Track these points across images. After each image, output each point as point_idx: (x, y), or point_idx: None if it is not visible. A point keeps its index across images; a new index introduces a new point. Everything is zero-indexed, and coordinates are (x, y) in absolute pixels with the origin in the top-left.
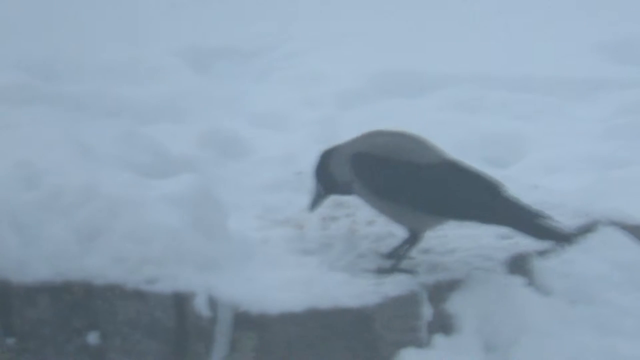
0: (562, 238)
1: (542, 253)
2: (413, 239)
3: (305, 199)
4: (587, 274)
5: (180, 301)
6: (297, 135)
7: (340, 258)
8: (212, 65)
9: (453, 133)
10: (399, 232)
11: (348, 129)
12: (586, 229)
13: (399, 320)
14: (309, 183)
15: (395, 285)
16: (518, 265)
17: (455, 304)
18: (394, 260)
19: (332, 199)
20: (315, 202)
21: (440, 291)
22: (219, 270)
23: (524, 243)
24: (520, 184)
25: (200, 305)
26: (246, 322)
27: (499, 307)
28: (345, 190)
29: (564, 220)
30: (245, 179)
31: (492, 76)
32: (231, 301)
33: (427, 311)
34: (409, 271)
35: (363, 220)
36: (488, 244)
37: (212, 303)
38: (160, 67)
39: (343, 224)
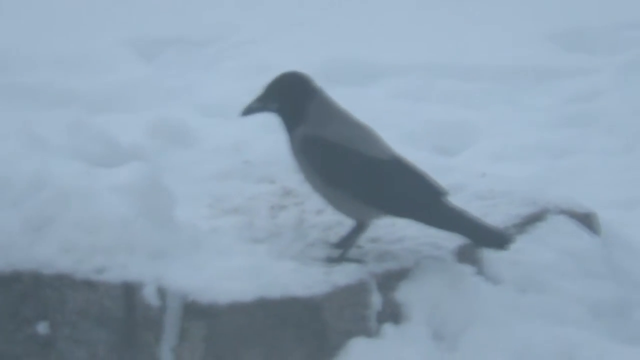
0: (501, 241)
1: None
2: (359, 227)
3: (253, 188)
4: (536, 262)
5: (129, 291)
6: (245, 124)
7: (289, 247)
8: (161, 55)
9: (402, 122)
10: (348, 222)
11: None
12: (535, 218)
13: (349, 310)
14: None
15: (344, 275)
16: (467, 254)
17: (405, 293)
18: (343, 249)
19: (281, 187)
20: (253, 110)
21: (389, 280)
22: (168, 259)
23: None
24: (468, 172)
25: (149, 295)
26: (195, 312)
27: (448, 296)
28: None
29: (512, 208)
30: (194, 168)
31: (441, 65)
32: (180, 291)
33: (376, 300)
34: (358, 260)
35: (312, 209)
36: (437, 233)
37: (161, 292)
38: (110, 57)
39: (292, 213)
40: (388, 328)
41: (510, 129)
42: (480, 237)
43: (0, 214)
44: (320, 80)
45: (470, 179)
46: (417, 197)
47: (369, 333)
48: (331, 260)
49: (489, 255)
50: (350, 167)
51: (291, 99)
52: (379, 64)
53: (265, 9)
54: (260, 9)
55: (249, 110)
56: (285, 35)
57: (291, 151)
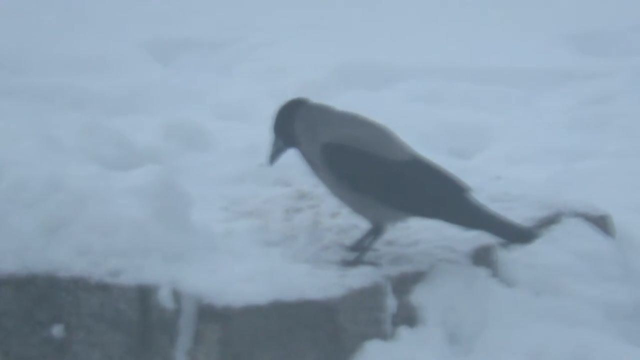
0: (527, 237)
1: (506, 244)
2: (376, 231)
3: (268, 191)
4: (551, 265)
5: (144, 294)
6: (260, 127)
7: (304, 250)
8: (177, 58)
9: (417, 124)
10: (363, 224)
11: None
12: (550, 221)
13: (363, 313)
14: (268, 136)
15: (359, 277)
16: (482, 256)
17: (420, 296)
18: (358, 252)
19: (296, 190)
20: (275, 155)
21: (404, 283)
22: (183, 262)
23: (488, 235)
24: (483, 175)
25: (164, 298)
26: (210, 315)
27: (464, 299)
28: (305, 151)
29: (528, 211)
30: (210, 170)
31: (456, 68)
32: (195, 293)
33: (391, 303)
34: (373, 263)
35: (327, 212)
36: (452, 236)
37: (176, 295)
38: (125, 60)
39: (307, 215)
40: (403, 331)
41: (526, 132)
42: (507, 233)
43: (16, 216)
44: (335, 83)
45: (485, 181)
46: (441, 196)
47: (383, 336)
48: (346, 264)
49: (504, 258)
50: (374, 173)
51: (284, 130)
52: (395, 67)
53: (282, 11)
54: (277, 11)
55: (273, 158)
56: (301, 38)
57: (306, 162)
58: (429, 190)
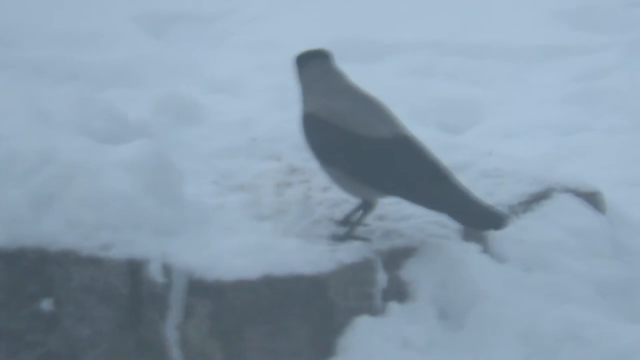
0: (497, 222)
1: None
2: (366, 205)
3: (259, 165)
4: (542, 240)
5: (134, 267)
6: (253, 101)
7: (295, 224)
8: (169, 31)
9: (408, 99)
10: (354, 199)
11: None
12: (541, 196)
13: (354, 287)
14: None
15: (350, 252)
16: (473, 232)
17: (410, 271)
18: (348, 227)
19: (288, 165)
20: None
21: (395, 258)
22: (174, 236)
23: None
24: (474, 150)
25: (155, 272)
26: (201, 289)
27: (454, 275)
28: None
29: (519, 187)
30: (201, 144)
31: (448, 42)
32: (186, 268)
33: (381, 278)
34: (363, 238)
35: (318, 186)
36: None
37: (167, 269)
38: (118, 33)
39: (298, 190)
40: (393, 306)
41: (517, 107)
42: (471, 221)
43: (6, 189)
44: None
45: (476, 157)
46: (411, 177)
47: (374, 311)
48: (336, 239)
49: (495, 234)
50: (343, 147)
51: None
52: (386, 42)
53: None
54: None
55: None
56: (293, 12)
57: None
58: (398, 170)
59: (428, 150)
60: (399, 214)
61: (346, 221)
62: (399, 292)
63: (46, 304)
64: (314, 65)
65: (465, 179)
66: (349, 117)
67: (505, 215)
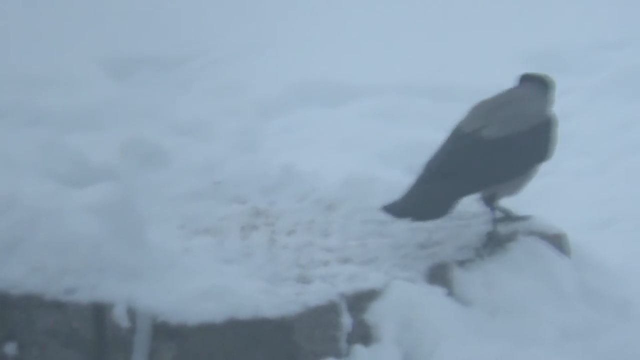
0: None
1: (462, 263)
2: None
3: (224, 208)
4: (507, 284)
5: (99, 311)
6: (217, 144)
7: (260, 268)
8: (133, 74)
9: (375, 142)
10: (319, 242)
11: (268, 137)
12: (506, 239)
13: (319, 331)
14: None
15: (315, 295)
16: (438, 275)
17: (375, 314)
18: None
19: (252, 208)
20: None
21: (359, 301)
22: (138, 280)
23: (444, 252)
24: None
25: (119, 316)
26: (165, 333)
27: (419, 318)
28: None
29: (485, 229)
30: (166, 188)
31: (414, 86)
32: (150, 311)
33: (346, 321)
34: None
35: (283, 229)
36: (408, 254)
37: (131, 313)
38: (81, 76)
39: (263, 233)
40: (358, 349)
41: None
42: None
43: None
44: (292, 100)
45: None
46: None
47: (339, 354)
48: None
49: (460, 277)
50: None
51: None
52: (352, 84)
53: (238, 28)
54: (233, 28)
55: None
56: (258, 55)
57: None
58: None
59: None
60: (364, 257)
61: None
62: (363, 335)
63: (10, 348)
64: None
65: (431, 222)
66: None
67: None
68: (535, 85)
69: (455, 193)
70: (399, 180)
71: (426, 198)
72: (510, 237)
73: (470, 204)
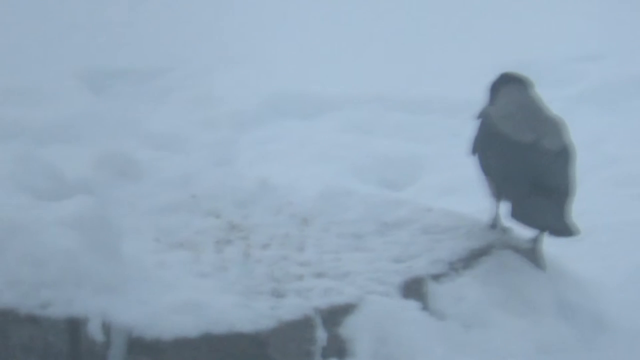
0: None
1: (437, 277)
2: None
3: (200, 222)
4: (481, 298)
5: (73, 326)
6: (193, 157)
7: (235, 282)
8: (108, 87)
9: (349, 155)
10: (295, 257)
11: (243, 150)
12: (481, 252)
13: (294, 345)
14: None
15: (289, 310)
16: (413, 289)
17: (350, 328)
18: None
19: (227, 222)
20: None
21: (334, 315)
22: (113, 294)
23: (418, 266)
24: (415, 206)
25: (94, 330)
26: (140, 347)
27: (393, 332)
28: None
29: (459, 243)
30: (141, 201)
31: (389, 98)
32: (125, 325)
33: (321, 335)
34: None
35: (258, 243)
36: (382, 268)
37: (106, 327)
38: (56, 89)
39: (238, 247)
40: None
41: (458, 163)
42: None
43: None
44: (268, 113)
45: (417, 213)
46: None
47: None
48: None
49: (435, 290)
50: (485, 140)
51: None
52: (327, 97)
53: (214, 40)
54: (209, 40)
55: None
56: (234, 68)
57: None
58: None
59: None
60: (338, 271)
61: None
62: (338, 349)
63: None
64: (514, 88)
65: (406, 235)
66: (506, 119)
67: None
68: (529, 87)
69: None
70: (373, 192)
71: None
72: (485, 251)
73: (442, 218)
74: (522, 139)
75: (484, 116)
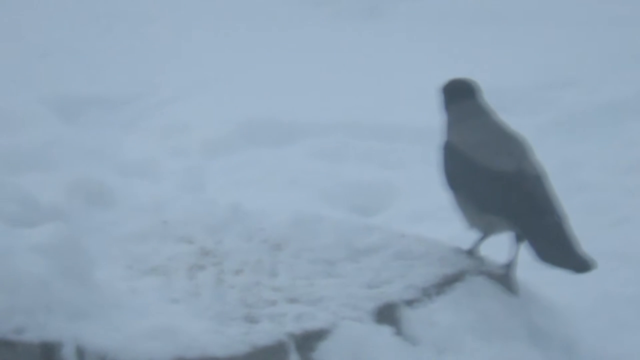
0: (585, 267)
1: (409, 302)
2: (482, 235)
3: (172, 248)
4: (454, 323)
5: (48, 351)
6: (164, 184)
7: (208, 307)
8: (79, 114)
9: (320, 181)
10: (268, 282)
11: (214, 177)
12: (453, 278)
13: None
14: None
15: (263, 335)
16: (386, 314)
17: (323, 354)
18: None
19: (200, 248)
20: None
21: (307, 341)
22: (86, 319)
23: (391, 292)
24: (387, 232)
25: (68, 355)
26: None
27: (367, 357)
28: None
29: (431, 269)
30: (113, 228)
31: (359, 125)
32: (98, 351)
33: None
34: (478, 258)
35: (230, 269)
36: (355, 293)
37: (80, 353)
38: (28, 116)
39: (210, 273)
40: None
41: (429, 189)
42: (569, 264)
43: None
44: (238, 140)
45: (389, 239)
46: (520, 208)
47: None
48: (459, 251)
49: (408, 316)
50: (467, 174)
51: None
52: (297, 124)
53: (184, 68)
54: (179, 68)
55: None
56: (203, 95)
57: None
58: (512, 201)
59: (547, 189)
60: (311, 297)
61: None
62: None
63: None
64: (464, 103)
65: (378, 261)
66: (479, 148)
67: (591, 262)
68: (479, 95)
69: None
70: (344, 219)
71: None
72: (458, 277)
73: (415, 244)
74: (505, 168)
75: (451, 148)
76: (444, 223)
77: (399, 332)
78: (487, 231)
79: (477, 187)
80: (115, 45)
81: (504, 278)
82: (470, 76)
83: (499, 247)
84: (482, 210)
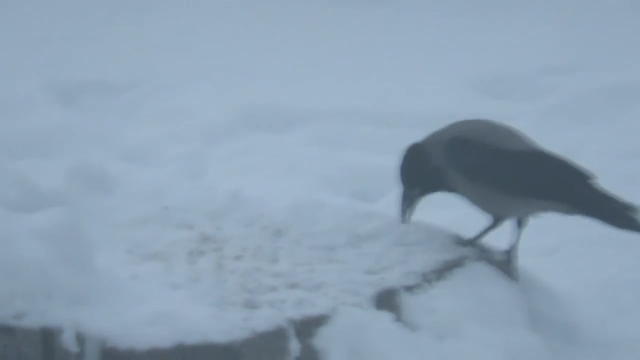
0: (634, 225)
1: (409, 288)
2: (494, 224)
3: (172, 233)
4: (454, 309)
5: (48, 336)
6: (164, 169)
7: (208, 293)
8: (79, 100)
9: (320, 167)
10: (270, 268)
11: (215, 163)
12: (454, 264)
13: (267, 356)
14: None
15: (262, 321)
16: (385, 300)
17: (323, 340)
18: (474, 239)
19: (200, 233)
20: (406, 208)
21: (307, 327)
22: (87, 305)
23: (391, 278)
24: (387, 218)
25: (68, 341)
26: (114, 357)
27: (366, 343)
28: (435, 181)
29: (431, 255)
30: (113, 213)
31: (360, 111)
32: (99, 336)
33: (294, 347)
34: (483, 250)
35: (230, 254)
36: (355, 279)
37: (80, 338)
38: (28, 102)
39: (210, 258)
40: None
41: None
42: (619, 222)
43: None
44: (238, 126)
45: (389, 225)
46: (562, 179)
47: None
48: (460, 242)
49: (408, 302)
50: (494, 163)
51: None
52: (296, 110)
53: (185, 54)
54: (180, 54)
55: (405, 212)
56: (205, 80)
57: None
58: (545, 175)
59: (565, 158)
60: (311, 283)
61: (472, 240)
62: None
63: None
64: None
65: (379, 247)
66: (490, 135)
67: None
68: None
69: None
70: (345, 205)
71: None
72: (459, 263)
73: (415, 230)
74: (522, 149)
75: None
76: (444, 208)
77: (398, 318)
78: (504, 218)
79: (500, 171)
80: (116, 31)
81: (504, 264)
82: (472, 62)
83: (499, 234)
84: (507, 193)
